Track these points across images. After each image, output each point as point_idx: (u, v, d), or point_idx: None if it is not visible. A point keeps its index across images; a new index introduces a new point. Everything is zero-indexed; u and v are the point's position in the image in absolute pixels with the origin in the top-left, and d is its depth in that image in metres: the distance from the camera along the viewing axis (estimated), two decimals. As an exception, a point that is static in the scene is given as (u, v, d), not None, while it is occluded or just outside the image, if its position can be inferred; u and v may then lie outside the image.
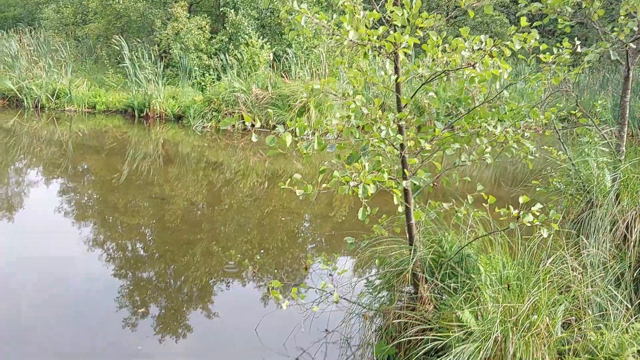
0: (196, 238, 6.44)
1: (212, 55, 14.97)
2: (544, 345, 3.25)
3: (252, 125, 2.67)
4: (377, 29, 3.11)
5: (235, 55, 14.35)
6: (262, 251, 6.15)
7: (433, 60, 3.15)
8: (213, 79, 14.37)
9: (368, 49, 2.96)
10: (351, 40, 2.83)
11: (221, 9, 15.12)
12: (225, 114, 12.76)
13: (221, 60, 14.55)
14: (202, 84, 14.36)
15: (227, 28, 14.90)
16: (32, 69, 14.94)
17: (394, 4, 2.95)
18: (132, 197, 8.01)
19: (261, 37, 14.84)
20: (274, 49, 14.93)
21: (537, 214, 3.07)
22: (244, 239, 6.53)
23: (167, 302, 5.04)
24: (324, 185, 2.92)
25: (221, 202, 8.06)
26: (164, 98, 13.45)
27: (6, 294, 4.98)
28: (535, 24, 3.29)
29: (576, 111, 5.30)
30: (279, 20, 15.25)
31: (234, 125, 12.65)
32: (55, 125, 13.05)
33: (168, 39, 14.70)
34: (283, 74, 14.31)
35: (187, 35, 14.41)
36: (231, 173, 9.87)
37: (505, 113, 3.37)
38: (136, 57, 14.40)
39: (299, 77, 13.97)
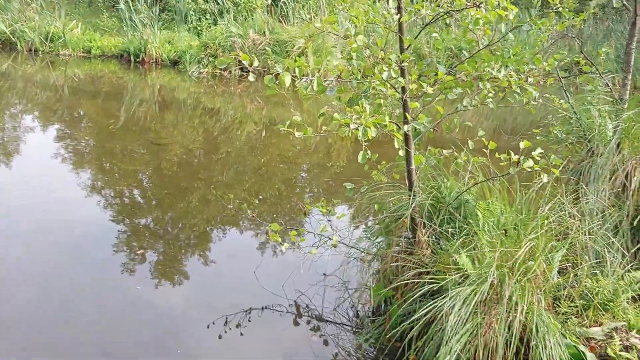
0: (193, 184, 6.43)
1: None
2: (540, 290, 3.29)
3: (250, 64, 2.61)
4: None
5: (233, -1, 14.00)
6: (260, 197, 6.16)
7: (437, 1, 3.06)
8: (209, 23, 14.05)
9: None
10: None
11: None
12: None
13: (218, 4, 14.20)
14: (199, 28, 14.05)
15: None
16: (25, 11, 14.56)
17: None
18: (128, 143, 7.96)
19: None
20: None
21: (538, 159, 3.05)
22: (242, 186, 6.53)
23: (165, 247, 5.07)
24: (324, 128, 2.88)
25: (218, 149, 8.02)
26: (160, 43, 13.18)
27: (3, 238, 4.99)
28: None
29: (580, 59, 5.20)
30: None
31: (230, 72, 12.47)
32: (50, 69, 12.83)
33: (164, -19, 14.30)
34: (281, 19, 14.00)
35: (183, -22, 14.02)
36: (228, 120, 9.80)
37: (510, 57, 3.30)
38: (131, 0, 14.04)
39: (296, 23, 13.68)
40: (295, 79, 2.69)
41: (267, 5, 14.01)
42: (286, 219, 5.76)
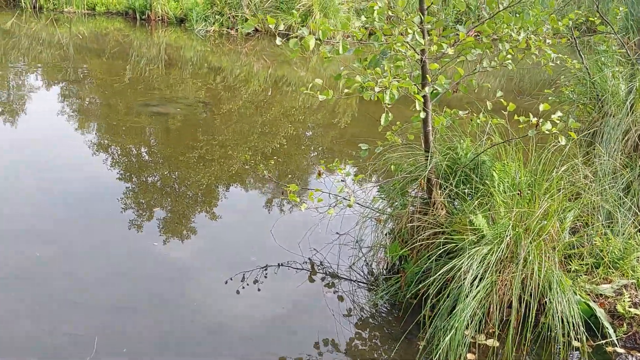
0: (201, 143, 6.47)
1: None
2: (553, 249, 3.38)
3: (276, 28, 2.62)
4: None
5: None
6: (275, 157, 6.22)
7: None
8: (216, -20, 13.83)
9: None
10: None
11: None
12: (229, 17, 12.43)
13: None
14: (204, -15, 13.85)
15: None
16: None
17: None
18: (134, 100, 7.96)
19: None
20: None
21: (557, 121, 3.08)
22: (254, 144, 6.58)
23: (181, 205, 5.16)
24: (345, 90, 2.91)
25: (226, 108, 8.03)
26: (166, 0, 13.03)
27: (11, 195, 5.07)
28: None
29: (595, 18, 5.17)
30: None
31: (237, 30, 12.36)
32: (55, 26, 12.72)
33: None
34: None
35: None
36: (234, 78, 9.77)
37: (530, 18, 3.30)
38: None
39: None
40: (319, 41, 2.72)
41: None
42: (297, 176, 5.84)
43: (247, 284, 4.00)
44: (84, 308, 3.61)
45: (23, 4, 13.87)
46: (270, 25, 2.64)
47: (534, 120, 3.09)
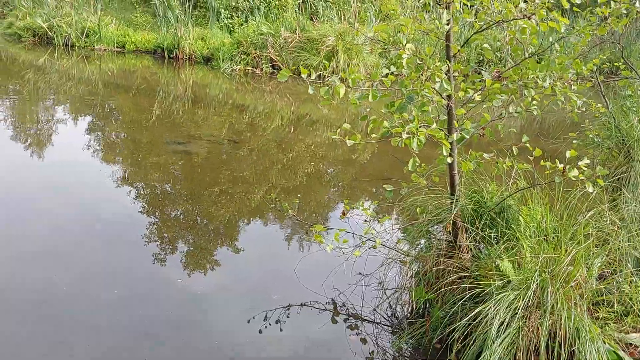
0: (226, 179, 6.56)
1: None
2: (580, 296, 3.34)
3: (308, 76, 2.70)
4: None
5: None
6: (298, 195, 6.27)
7: (485, 9, 3.12)
8: (241, 21, 14.20)
9: (429, 1, 2.95)
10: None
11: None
12: (254, 57, 12.70)
13: (249, 1, 14.33)
14: (230, 26, 14.21)
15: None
16: (62, 7, 14.88)
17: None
18: (160, 136, 8.12)
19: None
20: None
21: (584, 169, 3.09)
22: (278, 181, 6.64)
23: (205, 241, 5.21)
24: (373, 135, 2.97)
25: (249, 144, 8.14)
26: (193, 40, 13.38)
27: (37, 224, 5.17)
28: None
29: (620, 63, 5.20)
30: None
31: (262, 69, 12.61)
32: (85, 63, 13.11)
33: (196, -23, 14.48)
34: (311, 17, 14.08)
35: (216, -26, 14.18)
36: (259, 116, 9.92)
37: (555, 65, 3.34)
38: (164, -4, 14.26)
39: (326, 20, 13.75)
40: (349, 89, 2.79)
41: (298, 3, 14.11)
42: (320, 213, 5.87)
43: (270, 324, 4.00)
44: (107, 333, 3.65)
45: (56, 41, 14.34)
46: (303, 76, 2.72)
47: (561, 166, 3.10)
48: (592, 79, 5.14)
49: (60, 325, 3.80)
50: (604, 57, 5.32)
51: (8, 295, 4.07)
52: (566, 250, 3.41)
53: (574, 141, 5.17)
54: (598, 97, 5.28)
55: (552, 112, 3.74)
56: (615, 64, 5.25)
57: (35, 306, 3.96)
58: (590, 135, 5.23)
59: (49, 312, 3.91)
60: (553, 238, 3.55)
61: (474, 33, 3.27)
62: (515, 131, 3.84)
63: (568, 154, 3.17)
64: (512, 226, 3.51)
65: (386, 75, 2.99)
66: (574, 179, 3.10)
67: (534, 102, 3.45)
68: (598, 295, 3.59)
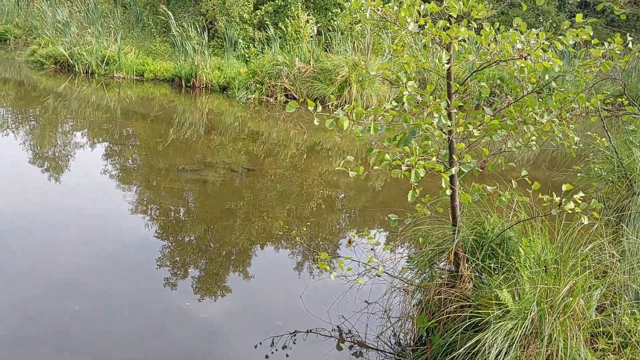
0: (237, 205, 6.71)
1: (257, 28, 15.11)
2: (578, 327, 3.41)
3: (315, 110, 2.86)
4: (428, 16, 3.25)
5: (280, 28, 14.47)
6: (308, 222, 6.40)
7: (485, 49, 3.27)
8: (257, 51, 14.54)
9: (429, 41, 3.11)
10: (410, 31, 2.98)
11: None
12: (269, 86, 12.98)
13: (266, 32, 14.70)
14: (247, 56, 14.55)
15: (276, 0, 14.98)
16: (83, 36, 15.34)
17: (451, -4, 3.08)
18: (175, 163, 8.32)
19: (305, 11, 14.89)
20: (318, 25, 14.97)
21: (579, 202, 3.20)
22: (286, 208, 6.78)
23: (213, 267, 5.34)
24: (375, 167, 3.11)
25: (262, 171, 8.31)
26: (210, 69, 13.71)
27: (51, 247, 5.34)
28: (589, 20, 3.36)
29: (623, 99, 5.32)
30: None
31: (276, 98, 12.87)
32: (105, 91, 13.46)
33: (214, 9, 14.87)
34: (325, 48, 14.38)
35: (232, 6, 14.56)
36: (272, 143, 10.12)
37: (553, 102, 3.47)
38: (182, 27, 14.65)
39: (340, 52, 14.03)
40: (353, 122, 2.94)
41: (313, 35, 14.44)
42: (329, 240, 5.99)
43: (276, 349, 4.10)
44: None
45: (77, 69, 14.74)
46: (310, 108, 2.88)
47: (557, 199, 3.21)
48: (596, 114, 5.26)
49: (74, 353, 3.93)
50: (608, 93, 5.45)
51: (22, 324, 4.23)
52: (565, 282, 3.49)
53: (578, 174, 5.28)
54: (602, 131, 5.40)
55: (562, 145, 3.86)
56: (619, 99, 5.36)
57: (57, 336, 4.10)
58: (595, 168, 5.33)
59: (67, 344, 4.05)
60: (553, 269, 3.63)
61: (474, 72, 3.42)
62: (515, 165, 3.95)
63: (564, 187, 3.28)
64: (512, 257, 3.61)
65: (389, 110, 3.14)
66: (569, 211, 3.20)
67: (533, 137, 3.57)
68: (597, 327, 3.65)
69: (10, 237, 5.49)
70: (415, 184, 2.99)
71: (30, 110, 11.63)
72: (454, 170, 3.33)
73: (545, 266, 3.60)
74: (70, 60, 14.88)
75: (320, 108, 2.95)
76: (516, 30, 3.11)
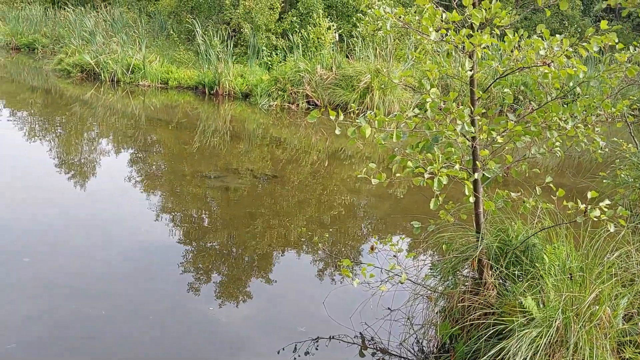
0: (260, 212, 6.76)
1: (280, 35, 15.23)
2: (605, 336, 3.37)
3: (336, 119, 2.89)
4: (451, 25, 3.25)
5: (302, 35, 14.56)
6: (330, 229, 6.42)
7: (508, 56, 3.26)
8: (280, 59, 14.65)
9: (451, 49, 3.12)
10: (433, 40, 2.99)
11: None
12: (290, 93, 13.06)
13: (288, 40, 14.80)
14: (269, 63, 14.67)
15: (300, 8, 15.08)
16: (109, 44, 15.61)
17: (473, 5, 3.08)
18: (199, 168, 8.41)
19: (328, 18, 14.97)
20: (340, 30, 15.03)
21: (605, 209, 3.16)
22: (309, 215, 6.81)
23: (235, 272, 5.38)
24: (397, 174, 3.11)
25: (285, 177, 8.36)
26: (233, 76, 13.85)
27: (76, 253, 5.43)
28: (614, 27, 3.34)
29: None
30: (346, 1, 15.31)
31: (298, 104, 12.94)
32: (130, 98, 13.68)
33: (238, 17, 15.03)
34: (348, 55, 14.43)
35: (257, 15, 14.70)
36: (294, 150, 10.17)
37: (577, 108, 3.45)
38: (206, 35, 14.83)
39: (362, 58, 14.07)
40: (375, 130, 2.96)
41: (335, 41, 14.49)
42: (351, 246, 5.99)
43: (299, 355, 4.11)
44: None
45: (102, 77, 15.01)
46: (331, 117, 2.91)
47: (582, 206, 3.18)
48: (623, 119, 5.20)
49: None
50: (634, 98, 5.38)
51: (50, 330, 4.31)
52: (591, 290, 3.45)
53: (605, 181, 5.21)
54: (629, 136, 5.33)
55: (587, 151, 3.82)
56: (645, 104, 5.30)
57: (83, 342, 4.18)
58: (621, 175, 5.26)
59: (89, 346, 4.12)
60: (578, 277, 3.59)
61: (497, 78, 3.42)
62: (539, 171, 3.92)
63: (589, 194, 3.25)
64: (537, 264, 3.58)
65: (412, 117, 3.15)
66: (595, 219, 3.17)
67: (557, 143, 3.55)
68: (624, 336, 3.59)
69: (37, 243, 5.60)
70: (438, 192, 2.99)
71: (57, 117, 11.87)
72: (477, 176, 3.32)
73: (570, 274, 3.57)
74: (96, 69, 15.15)
75: (342, 117, 2.97)
76: (539, 37, 3.11)
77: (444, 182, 2.94)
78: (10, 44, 22.32)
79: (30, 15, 23.13)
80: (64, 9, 22.05)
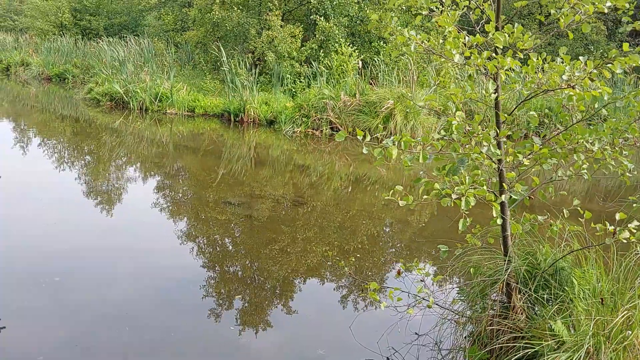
0: (284, 237, 6.79)
1: (303, 63, 15.46)
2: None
3: (364, 138, 2.94)
4: (475, 48, 3.30)
5: (325, 62, 14.76)
6: (355, 254, 6.43)
7: (532, 79, 3.29)
8: (304, 86, 14.85)
9: (474, 72, 3.16)
10: (456, 63, 3.04)
11: (312, 17, 15.57)
12: (314, 119, 13.19)
13: (311, 67, 15.01)
14: (293, 90, 14.88)
15: (318, 35, 15.33)
16: (138, 74, 16.01)
17: (496, 29, 3.13)
18: (223, 195, 8.52)
19: (350, 45, 15.16)
20: (362, 57, 15.21)
21: (634, 231, 3.14)
22: (334, 240, 6.83)
23: (258, 297, 5.40)
24: (424, 196, 3.14)
25: (309, 203, 8.40)
26: (258, 104, 14.07)
27: (102, 279, 5.51)
28: (637, 49, 3.35)
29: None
30: (369, 28, 15.49)
31: (322, 131, 13.06)
32: (157, 126, 13.96)
33: (263, 46, 15.33)
34: (371, 81, 14.56)
35: (280, 43, 14.98)
36: (318, 176, 10.24)
37: (604, 130, 3.45)
38: (232, 64, 15.13)
39: (385, 85, 14.18)
40: (401, 151, 3.00)
41: (358, 68, 14.66)
42: (376, 272, 5.98)
43: (326, 380, 4.11)
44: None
45: (131, 105, 15.36)
46: (359, 137, 2.96)
47: (611, 228, 3.16)
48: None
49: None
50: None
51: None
52: (622, 314, 3.40)
53: (634, 204, 5.15)
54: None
55: (615, 174, 3.80)
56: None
57: None
58: (651, 198, 5.20)
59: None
60: (610, 301, 3.55)
61: (522, 102, 3.44)
62: (566, 193, 3.90)
63: (618, 216, 3.23)
64: (566, 288, 3.55)
65: (438, 140, 3.18)
66: (624, 240, 3.14)
67: (584, 165, 3.54)
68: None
69: (64, 270, 5.70)
70: (466, 213, 3.00)
71: (86, 146, 12.15)
72: (504, 198, 3.33)
73: (602, 298, 3.52)
74: (125, 98, 15.52)
75: (368, 137, 3.02)
76: (562, 62, 3.13)
77: (472, 203, 2.96)
78: (42, 74, 23.03)
79: (62, 46, 23.89)
80: (95, 40, 22.74)
